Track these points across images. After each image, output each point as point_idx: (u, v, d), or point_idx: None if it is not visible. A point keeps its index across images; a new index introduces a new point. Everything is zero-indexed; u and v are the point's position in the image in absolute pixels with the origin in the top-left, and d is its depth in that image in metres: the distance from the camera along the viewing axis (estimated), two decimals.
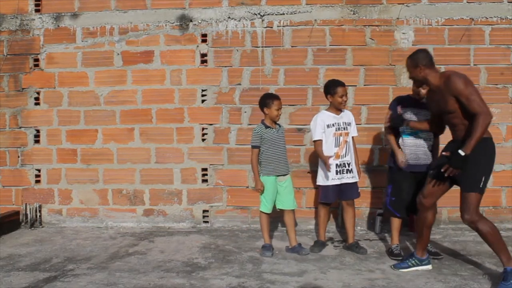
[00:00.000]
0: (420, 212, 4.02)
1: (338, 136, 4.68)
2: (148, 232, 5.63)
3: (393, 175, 4.55)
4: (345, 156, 4.67)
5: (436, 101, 3.85)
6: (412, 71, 3.94)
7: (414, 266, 4.03)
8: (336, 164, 4.66)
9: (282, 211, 4.78)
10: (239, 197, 5.81)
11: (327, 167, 4.60)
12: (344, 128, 4.69)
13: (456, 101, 3.67)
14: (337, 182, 4.67)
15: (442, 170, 3.66)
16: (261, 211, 4.71)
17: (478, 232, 3.70)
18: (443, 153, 3.73)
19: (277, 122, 4.78)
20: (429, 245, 4.46)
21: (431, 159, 4.40)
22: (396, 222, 4.58)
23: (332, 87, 4.69)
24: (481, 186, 3.68)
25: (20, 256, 4.71)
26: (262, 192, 4.64)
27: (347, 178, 4.67)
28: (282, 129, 4.81)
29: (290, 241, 4.73)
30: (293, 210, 4.77)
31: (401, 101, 4.55)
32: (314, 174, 5.23)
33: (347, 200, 4.76)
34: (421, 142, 4.39)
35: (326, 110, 4.81)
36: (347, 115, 4.78)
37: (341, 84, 4.70)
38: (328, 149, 4.68)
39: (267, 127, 4.68)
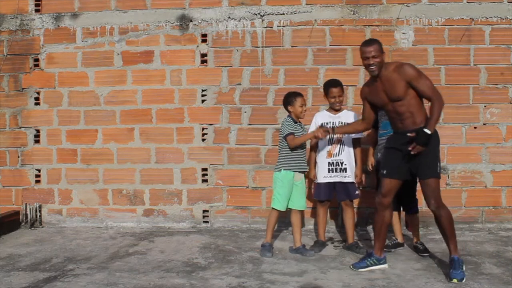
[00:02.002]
0: (379, 211, 4.12)
1: (331, 135, 4.69)
2: (148, 232, 5.63)
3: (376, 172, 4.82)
4: (338, 155, 4.69)
5: (384, 90, 3.95)
6: (380, 55, 3.95)
7: (372, 265, 4.11)
8: (328, 162, 4.70)
9: (289, 210, 4.75)
10: (239, 197, 5.81)
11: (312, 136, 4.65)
12: None
13: (407, 88, 3.83)
14: (329, 180, 4.71)
15: (409, 148, 3.80)
16: (273, 208, 4.67)
17: (439, 217, 3.89)
18: (408, 134, 3.83)
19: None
20: (418, 242, 4.67)
21: None
22: (393, 218, 4.76)
23: (325, 88, 4.78)
24: (438, 171, 3.92)
25: (20, 256, 4.71)
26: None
27: (340, 177, 4.69)
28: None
29: (294, 242, 4.71)
30: (301, 211, 4.76)
31: None
32: None
33: (344, 200, 4.78)
34: None
35: (326, 109, 4.88)
36: (346, 116, 4.77)
37: (334, 85, 4.72)
38: (321, 147, 4.75)
39: (295, 122, 4.68)
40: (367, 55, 3.95)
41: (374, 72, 3.96)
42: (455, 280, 3.75)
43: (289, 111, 4.71)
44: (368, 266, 4.11)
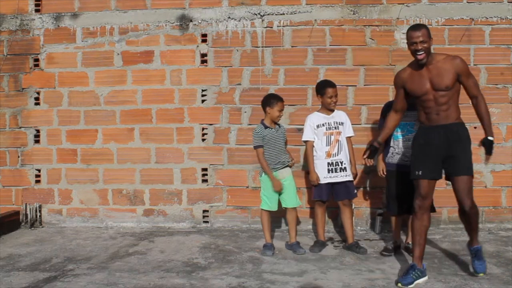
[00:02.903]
0: (418, 215, 3.83)
1: (329, 135, 4.71)
2: (148, 232, 5.63)
3: (386, 175, 4.68)
4: (337, 155, 4.70)
5: (430, 78, 3.80)
6: (428, 41, 3.74)
7: (417, 278, 3.76)
8: (328, 163, 4.70)
9: (285, 209, 4.80)
10: (239, 197, 5.81)
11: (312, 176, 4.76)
12: (335, 128, 4.73)
13: (455, 80, 3.78)
14: (330, 180, 4.71)
15: (485, 160, 3.85)
16: (262, 209, 4.74)
17: (471, 215, 3.82)
18: (477, 145, 3.84)
19: (277, 123, 4.79)
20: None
21: None
22: (393, 220, 4.72)
23: (321, 88, 4.76)
24: (472, 169, 3.88)
25: (20, 256, 4.71)
26: (280, 192, 4.68)
27: (341, 177, 4.70)
28: (283, 129, 4.85)
29: (290, 238, 4.81)
30: (295, 208, 4.79)
31: (388, 106, 4.63)
32: None
33: (342, 200, 4.78)
34: (410, 144, 4.26)
35: (318, 111, 4.86)
36: (339, 115, 4.81)
37: (330, 85, 4.73)
38: (320, 148, 4.73)
39: (266, 127, 4.70)
40: (414, 40, 3.72)
41: (423, 60, 3.75)
42: (481, 274, 3.75)
43: (266, 112, 4.72)
44: (414, 280, 3.73)
